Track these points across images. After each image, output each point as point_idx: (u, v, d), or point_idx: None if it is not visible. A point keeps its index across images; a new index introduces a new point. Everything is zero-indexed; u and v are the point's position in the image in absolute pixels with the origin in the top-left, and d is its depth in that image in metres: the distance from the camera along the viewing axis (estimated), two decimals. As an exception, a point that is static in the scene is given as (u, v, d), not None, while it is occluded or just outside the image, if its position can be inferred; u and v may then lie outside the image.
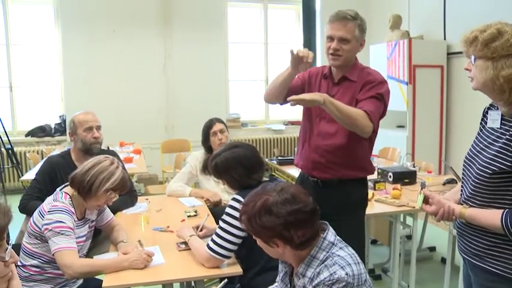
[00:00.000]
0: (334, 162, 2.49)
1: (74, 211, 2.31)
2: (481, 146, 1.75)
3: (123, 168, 2.49)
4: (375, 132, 2.44)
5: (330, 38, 2.45)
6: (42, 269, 2.29)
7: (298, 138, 2.74)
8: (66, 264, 2.14)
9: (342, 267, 1.48)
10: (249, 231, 1.61)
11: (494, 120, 1.74)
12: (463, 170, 1.83)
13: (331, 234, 1.61)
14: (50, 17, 7.16)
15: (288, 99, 2.21)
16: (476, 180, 1.70)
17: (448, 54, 6.28)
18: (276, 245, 1.56)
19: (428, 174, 4.23)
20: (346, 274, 1.46)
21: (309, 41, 8.05)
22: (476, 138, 1.82)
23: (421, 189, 1.88)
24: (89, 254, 2.59)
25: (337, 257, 1.53)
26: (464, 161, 1.83)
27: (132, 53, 7.27)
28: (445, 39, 6.37)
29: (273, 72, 8.14)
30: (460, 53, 6.19)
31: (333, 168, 2.51)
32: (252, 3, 8.09)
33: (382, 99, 2.43)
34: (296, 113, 8.27)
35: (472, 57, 1.68)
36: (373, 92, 2.42)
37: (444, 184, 3.76)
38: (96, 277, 2.35)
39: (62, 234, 2.18)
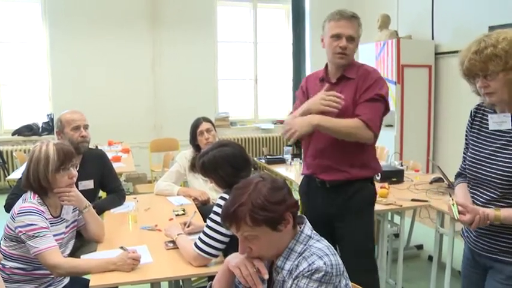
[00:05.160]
0: (341, 163, 2.46)
1: (43, 210, 2.26)
2: (492, 149, 1.80)
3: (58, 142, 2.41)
4: (376, 136, 2.42)
5: (337, 37, 2.41)
6: (25, 270, 2.26)
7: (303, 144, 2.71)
8: (52, 265, 2.13)
9: (319, 257, 1.50)
10: (257, 225, 1.52)
11: (501, 122, 1.78)
12: (474, 174, 1.86)
13: (307, 228, 1.64)
14: (37, 15, 7.10)
15: (289, 141, 2.24)
16: (502, 182, 1.74)
17: (436, 54, 6.33)
18: (286, 222, 1.55)
19: (416, 173, 4.26)
20: (325, 264, 1.48)
21: (298, 41, 8.07)
22: (476, 141, 1.88)
23: (453, 199, 1.83)
24: (76, 254, 2.57)
25: (315, 248, 1.55)
26: (473, 166, 1.86)
27: (121, 51, 7.23)
28: (433, 39, 6.42)
29: (262, 71, 8.15)
30: (448, 53, 6.29)
31: (339, 169, 2.47)
32: (241, 2, 8.09)
33: (381, 99, 2.41)
34: (285, 112, 8.28)
35: (488, 73, 1.70)
36: (371, 93, 2.39)
37: (431, 183, 3.79)
38: (84, 276, 2.34)
39: (37, 236, 2.15)
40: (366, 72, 2.47)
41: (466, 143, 1.98)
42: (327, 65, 2.59)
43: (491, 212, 1.73)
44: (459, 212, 1.77)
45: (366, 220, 2.56)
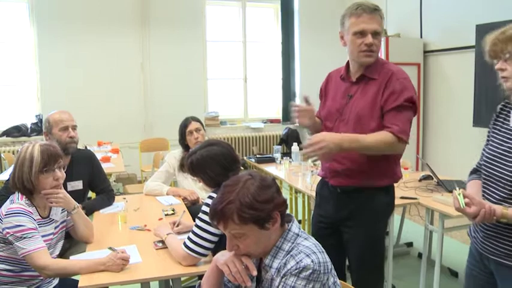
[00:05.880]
0: (352, 169, 2.30)
1: (32, 211, 2.24)
2: (507, 145, 1.73)
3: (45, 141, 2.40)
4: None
5: (361, 33, 2.21)
6: (13, 271, 2.25)
7: None
8: (40, 266, 2.12)
9: (307, 255, 1.51)
10: (244, 223, 1.51)
11: None
12: (488, 171, 1.80)
13: (295, 226, 1.64)
14: (25, 15, 7.03)
15: (305, 154, 1.91)
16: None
17: (425, 52, 6.37)
18: (273, 221, 1.54)
19: (405, 171, 4.27)
20: (312, 261, 1.49)
21: (287, 39, 8.07)
22: (495, 137, 1.82)
23: (459, 189, 1.73)
24: (65, 255, 2.56)
25: (302, 246, 1.56)
26: (488, 162, 1.80)
27: (110, 51, 7.18)
28: (421, 37, 6.45)
29: (251, 70, 8.14)
30: (436, 51, 6.30)
31: (350, 176, 2.32)
32: (230, 2, 8.07)
33: (410, 105, 2.22)
34: (274, 111, 8.30)
35: (507, 56, 1.65)
36: (399, 99, 2.19)
37: (420, 180, 3.81)
38: (73, 277, 2.32)
39: (25, 237, 2.13)
40: (389, 73, 2.26)
41: (488, 139, 1.90)
42: (348, 63, 2.41)
43: (498, 208, 1.65)
44: (465, 204, 1.68)
45: (373, 230, 2.39)
